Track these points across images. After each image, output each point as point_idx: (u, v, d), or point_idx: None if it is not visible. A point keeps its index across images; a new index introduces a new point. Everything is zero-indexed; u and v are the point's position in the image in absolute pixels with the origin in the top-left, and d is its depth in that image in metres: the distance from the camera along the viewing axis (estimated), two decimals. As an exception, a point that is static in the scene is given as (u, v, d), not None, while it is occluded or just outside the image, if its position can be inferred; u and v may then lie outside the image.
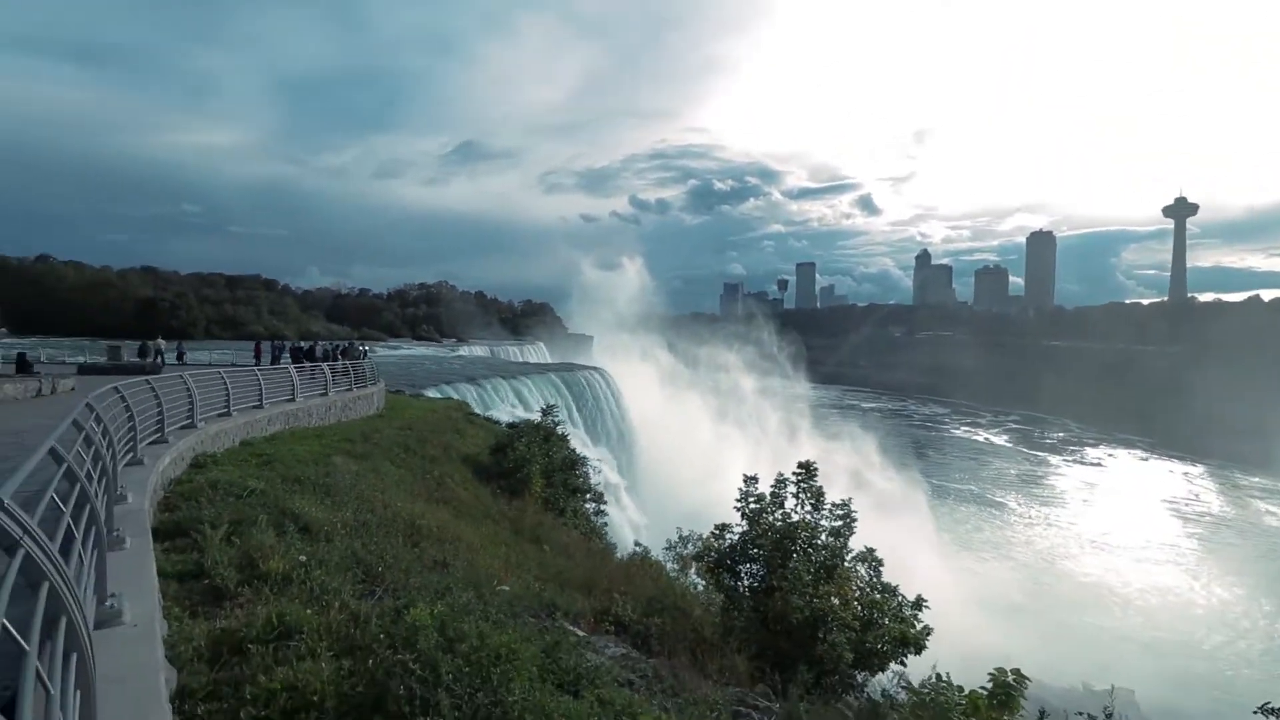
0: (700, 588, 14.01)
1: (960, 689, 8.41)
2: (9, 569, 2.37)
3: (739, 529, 13.09)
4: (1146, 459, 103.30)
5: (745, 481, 13.23)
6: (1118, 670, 35.17)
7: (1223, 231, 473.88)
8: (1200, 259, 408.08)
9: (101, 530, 4.85)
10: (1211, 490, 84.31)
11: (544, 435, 23.10)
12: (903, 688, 10.47)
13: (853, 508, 13.04)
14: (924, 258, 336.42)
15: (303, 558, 7.17)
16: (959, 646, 21.32)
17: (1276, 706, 7.49)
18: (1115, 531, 63.82)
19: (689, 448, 59.37)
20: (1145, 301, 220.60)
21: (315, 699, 4.37)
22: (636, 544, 17.85)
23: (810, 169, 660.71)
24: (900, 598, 12.32)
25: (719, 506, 14.77)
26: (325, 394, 21.50)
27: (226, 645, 5.14)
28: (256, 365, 24.46)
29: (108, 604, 4.50)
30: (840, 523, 12.83)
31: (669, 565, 15.39)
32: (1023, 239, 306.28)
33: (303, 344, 32.95)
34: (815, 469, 13.18)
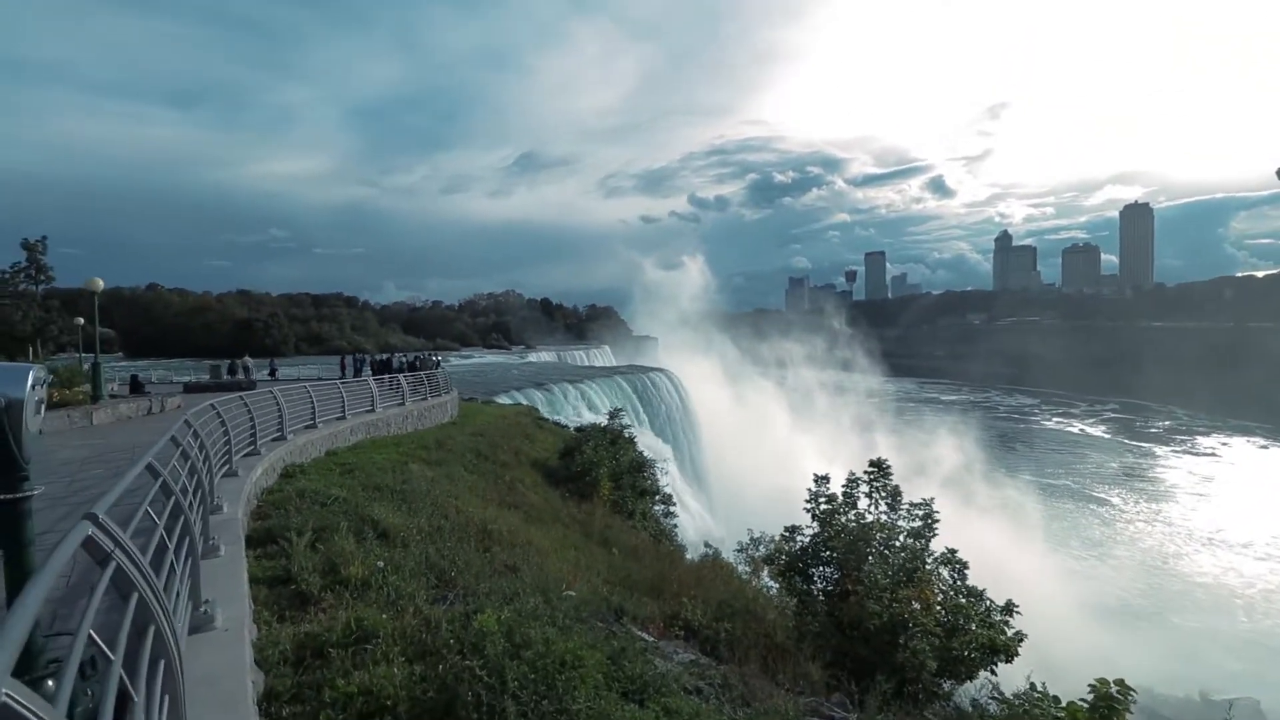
0: (773, 591, 13.70)
1: (1057, 700, 7.86)
2: (99, 581, 2.54)
3: (810, 531, 12.74)
4: (1267, 447, 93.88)
5: (815, 481, 12.88)
6: (1241, 678, 32.14)
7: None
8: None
9: (195, 540, 5.18)
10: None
11: (611, 438, 23.18)
12: (993, 698, 9.90)
13: (934, 507, 12.46)
14: (1004, 239, 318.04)
15: (380, 563, 7.44)
16: (1058, 654, 19.98)
17: None
18: (1233, 527, 58.26)
19: (758, 447, 58.54)
20: (1260, 274, 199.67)
21: (389, 703, 4.50)
22: (706, 546, 17.60)
23: (875, 154, 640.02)
24: (988, 602, 11.66)
25: (791, 505, 14.45)
26: (402, 404, 22.26)
27: (310, 648, 5.39)
28: (341, 379, 25.68)
29: (201, 610, 4.79)
30: (920, 523, 12.29)
31: (740, 567, 15.10)
32: (1115, 213, 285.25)
33: (380, 356, 34.50)
34: (889, 467, 12.69)
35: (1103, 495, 71.05)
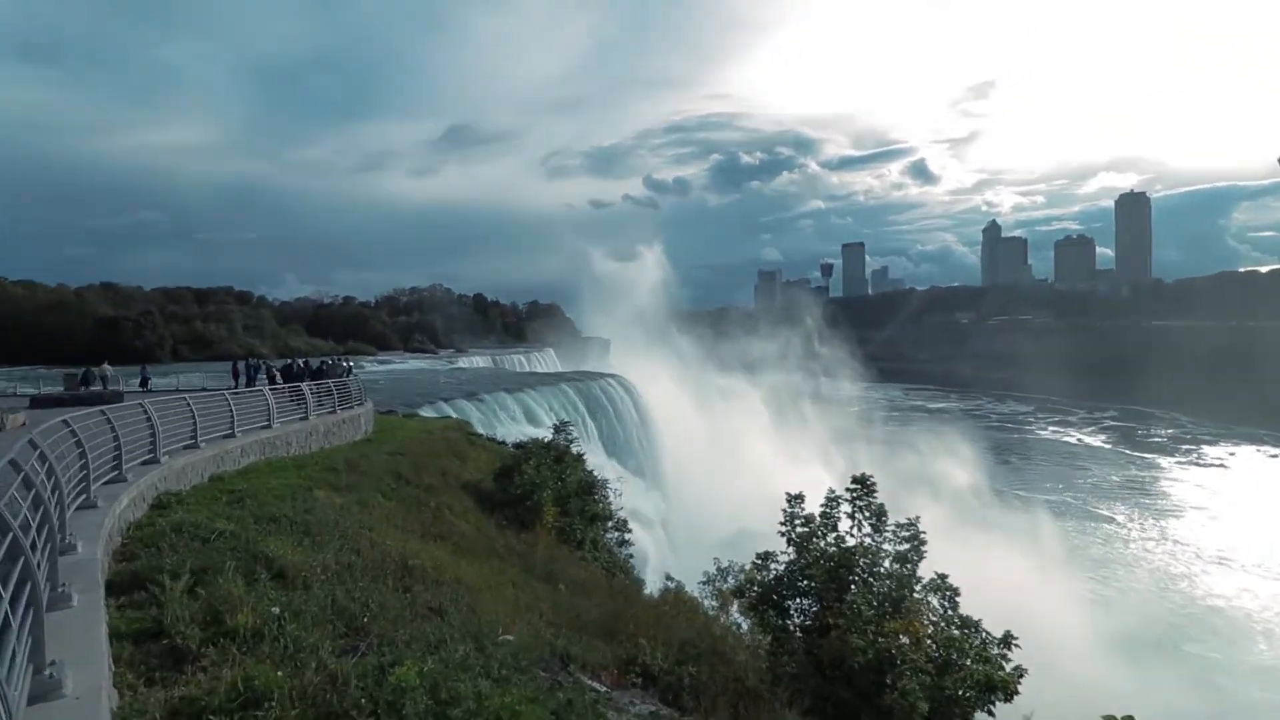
0: (744, 628, 13.84)
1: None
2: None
3: (785, 557, 12.92)
4: (1277, 456, 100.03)
5: (789, 501, 13.06)
6: (1261, 709, 33.89)
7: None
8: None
9: (39, 588, 4.87)
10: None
11: (556, 456, 23.19)
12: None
13: (921, 528, 12.80)
14: (992, 230, 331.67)
15: (276, 609, 7.19)
16: (1061, 689, 20.76)
17: None
18: (1245, 545, 61.65)
19: (726, 463, 59.19)
20: (1264, 269, 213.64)
21: (284, 779, 4.31)
22: (668, 579, 17.73)
23: (853, 135, 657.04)
24: (984, 634, 12.05)
25: (764, 529, 14.62)
26: (306, 418, 21.83)
27: (186, 716, 5.13)
28: (231, 389, 24.88)
29: (46, 674, 4.50)
30: (907, 546, 12.62)
31: (706, 602, 15.26)
32: (1110, 202, 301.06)
33: (279, 362, 33.49)
34: (873, 483, 12.97)
35: (1104, 511, 74.36)
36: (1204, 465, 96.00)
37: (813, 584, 12.36)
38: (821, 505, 13.15)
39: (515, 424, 42.15)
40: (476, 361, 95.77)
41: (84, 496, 9.90)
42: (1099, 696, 20.68)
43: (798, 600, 12.57)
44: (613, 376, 62.95)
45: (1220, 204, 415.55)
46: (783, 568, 12.91)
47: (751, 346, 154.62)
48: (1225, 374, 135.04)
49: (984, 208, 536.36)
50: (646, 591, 17.88)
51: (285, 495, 13.42)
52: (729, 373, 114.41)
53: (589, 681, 8.24)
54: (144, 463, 13.34)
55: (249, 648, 6.40)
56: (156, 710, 5.16)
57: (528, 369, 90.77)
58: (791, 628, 12.37)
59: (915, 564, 12.41)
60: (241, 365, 31.92)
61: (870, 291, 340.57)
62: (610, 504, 24.03)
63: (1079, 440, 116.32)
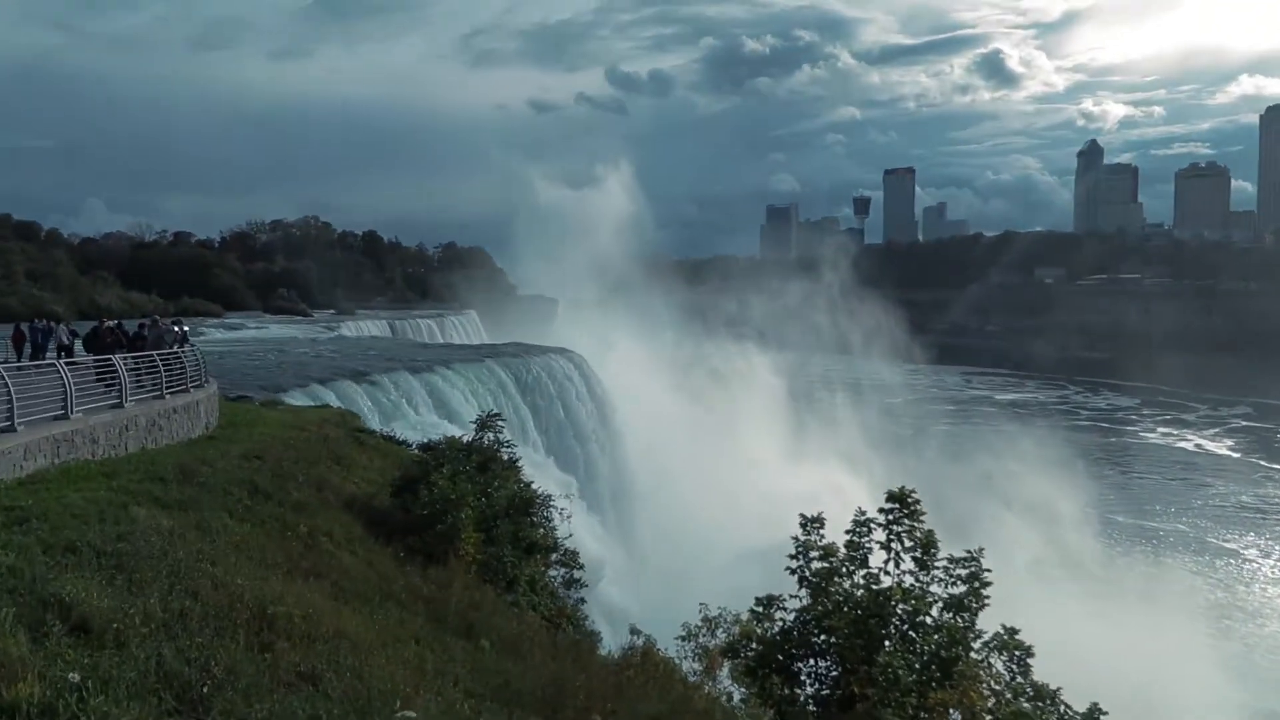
0: (736, 699, 14.04)
1: None
2: None
3: (796, 601, 13.08)
4: None
5: (804, 526, 13.18)
6: None
7: None
8: None
9: None
10: None
11: (480, 461, 23.11)
12: None
13: (984, 563, 13.03)
14: (1091, 155, 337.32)
15: (74, 676, 7.13)
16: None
17: None
18: None
19: (718, 473, 59.59)
20: None
21: None
22: (634, 631, 17.89)
23: (901, 14, 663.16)
24: (1063, 707, 12.35)
25: (770, 565, 14.77)
26: (120, 405, 21.50)
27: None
28: (6, 362, 24.40)
29: None
30: (963, 588, 12.82)
31: (686, 664, 15.45)
32: (1255, 117, 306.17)
33: (78, 326, 32.79)
34: (916, 501, 13.14)
35: (1228, 543, 76.90)
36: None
37: (833, 639, 12.51)
38: (848, 531, 13.30)
39: (422, 417, 41.84)
40: (367, 328, 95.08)
41: None
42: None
43: (812, 661, 12.74)
44: (560, 351, 62.90)
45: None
46: (792, 617, 13.07)
47: (756, 311, 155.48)
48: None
49: (1080, 122, 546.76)
50: (603, 650, 18.04)
51: (90, 515, 13.27)
52: (724, 347, 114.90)
53: (521, 774, 8.33)
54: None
55: (34, 732, 6.34)
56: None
57: (440, 339, 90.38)
58: (803, 699, 12.55)
59: (975, 613, 12.63)
60: (25, 329, 31.24)
61: (921, 237, 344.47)
62: (555, 528, 24.09)
63: (1198, 446, 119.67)
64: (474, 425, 26.27)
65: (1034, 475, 77.96)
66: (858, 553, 13.15)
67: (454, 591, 17.04)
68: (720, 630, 14.78)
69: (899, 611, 12.54)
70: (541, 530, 23.14)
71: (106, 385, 21.90)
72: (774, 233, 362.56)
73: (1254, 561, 72.97)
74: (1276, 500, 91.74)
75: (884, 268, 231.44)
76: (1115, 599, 53.12)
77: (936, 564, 12.99)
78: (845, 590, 12.79)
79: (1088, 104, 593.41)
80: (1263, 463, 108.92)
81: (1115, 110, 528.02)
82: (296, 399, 37.79)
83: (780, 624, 13.14)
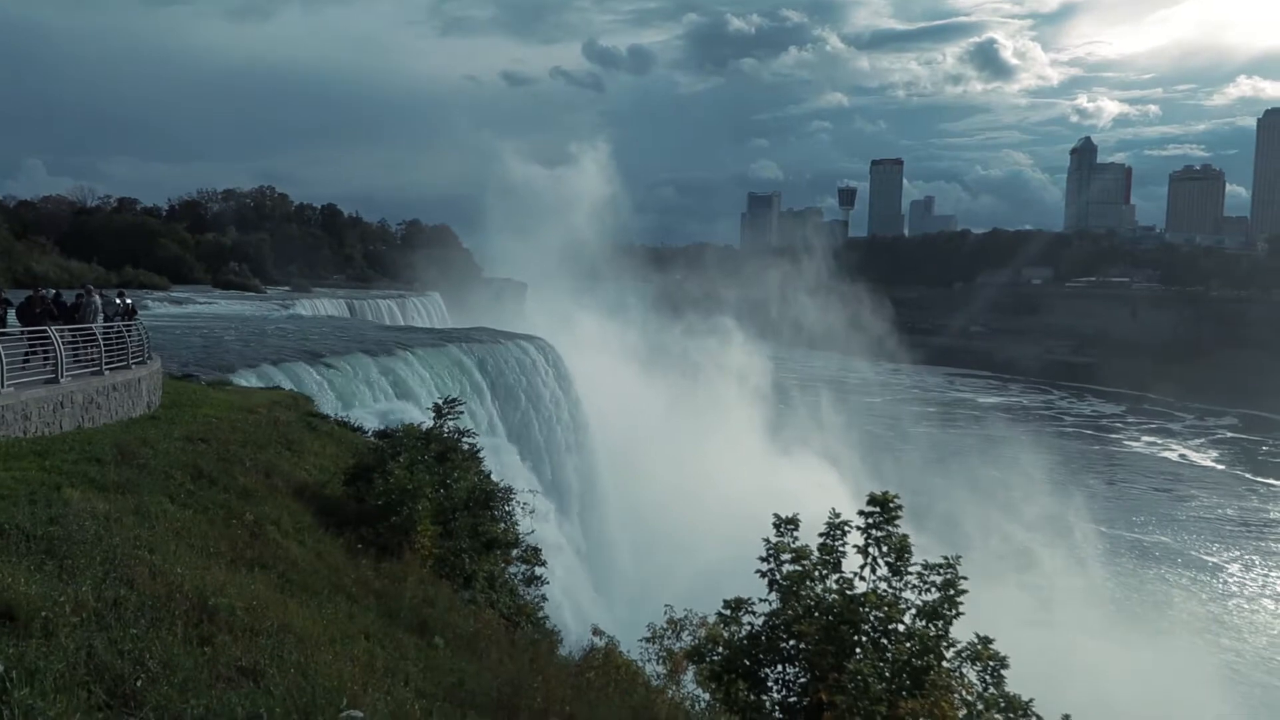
0: (701, 704, 13.99)
1: None
2: None
3: (765, 605, 13.03)
4: None
5: (777, 527, 13.13)
6: None
7: None
8: None
9: None
10: None
11: (439, 451, 23.06)
12: None
13: (960, 570, 13.03)
14: (1084, 152, 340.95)
15: (-2, 667, 6.94)
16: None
17: None
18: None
19: (687, 471, 59.84)
20: None
21: None
22: (596, 632, 17.81)
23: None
24: (1034, 719, 12.37)
25: (741, 566, 14.71)
26: (55, 380, 21.30)
27: None
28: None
29: None
30: (937, 594, 12.83)
31: (649, 667, 15.37)
32: (1251, 120, 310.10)
33: (9, 295, 32.25)
34: (896, 505, 13.12)
35: (1211, 557, 78.26)
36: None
37: (802, 644, 12.50)
38: (821, 534, 13.26)
39: (379, 403, 41.67)
40: (324, 307, 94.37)
41: None
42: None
43: (780, 667, 12.72)
44: (528, 337, 62.60)
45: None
46: (760, 621, 13.02)
47: (733, 302, 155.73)
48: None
49: (1074, 118, 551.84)
50: (564, 651, 17.90)
51: (19, 496, 13.17)
52: (701, 340, 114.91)
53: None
54: None
55: (-52, 727, 6.18)
56: None
57: (401, 321, 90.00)
58: (769, 706, 12.51)
59: (948, 620, 12.64)
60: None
61: (907, 231, 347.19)
62: (517, 524, 24.00)
63: (1183, 457, 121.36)
64: (434, 411, 26.22)
65: (1018, 482, 78.98)
66: (830, 555, 13.13)
67: (408, 586, 16.93)
68: (686, 633, 14.70)
69: (871, 618, 12.56)
70: (502, 525, 23.06)
71: (41, 358, 21.70)
72: (755, 221, 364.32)
73: (1236, 577, 74.06)
74: (1261, 514, 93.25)
75: (867, 262, 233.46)
76: (1092, 609, 53.78)
77: (910, 570, 13.02)
78: (816, 595, 12.76)
79: (1082, 100, 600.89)
80: (1247, 475, 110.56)
81: (1110, 107, 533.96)
82: (246, 379, 37.60)
83: (748, 628, 13.11)
